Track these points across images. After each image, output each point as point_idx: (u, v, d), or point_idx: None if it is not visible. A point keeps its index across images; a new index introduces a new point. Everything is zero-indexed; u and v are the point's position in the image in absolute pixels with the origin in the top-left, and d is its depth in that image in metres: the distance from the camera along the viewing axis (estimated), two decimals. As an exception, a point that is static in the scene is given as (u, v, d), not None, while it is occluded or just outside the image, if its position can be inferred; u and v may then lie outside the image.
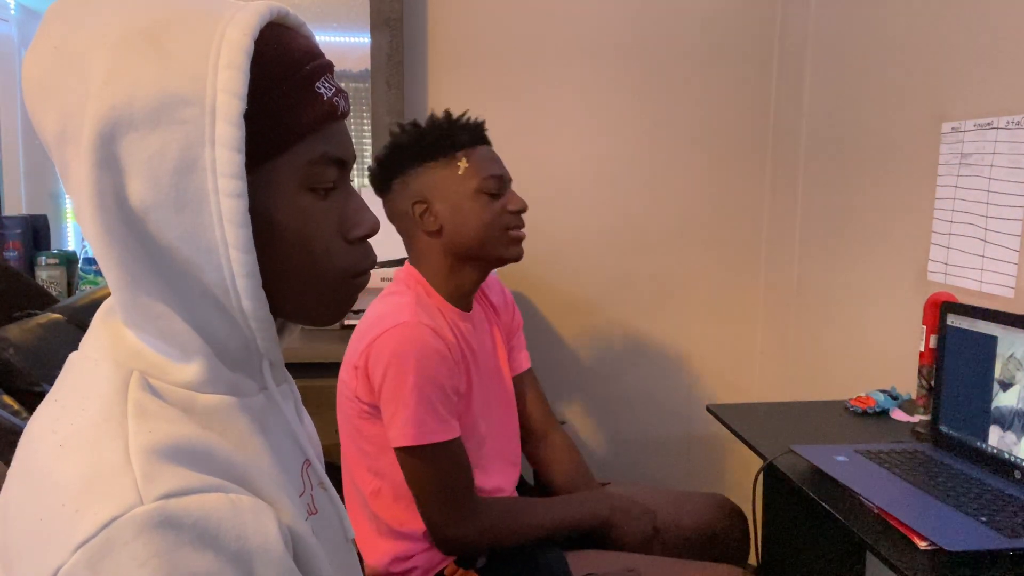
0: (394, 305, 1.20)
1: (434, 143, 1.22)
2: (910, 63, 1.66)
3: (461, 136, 1.23)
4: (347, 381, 1.21)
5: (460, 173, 1.22)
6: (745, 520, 1.46)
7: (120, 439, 0.48)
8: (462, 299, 1.28)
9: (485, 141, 1.28)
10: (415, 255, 1.28)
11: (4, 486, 0.52)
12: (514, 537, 1.21)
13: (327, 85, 0.58)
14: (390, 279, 1.75)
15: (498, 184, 1.24)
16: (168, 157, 0.51)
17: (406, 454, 1.15)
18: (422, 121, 1.26)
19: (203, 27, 0.52)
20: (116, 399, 0.51)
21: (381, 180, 1.27)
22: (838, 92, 1.94)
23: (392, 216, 1.29)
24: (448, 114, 1.25)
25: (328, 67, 0.59)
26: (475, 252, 1.25)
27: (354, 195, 0.61)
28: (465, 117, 1.26)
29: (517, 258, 1.28)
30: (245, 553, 0.48)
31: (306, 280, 0.59)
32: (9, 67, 2.08)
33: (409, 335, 1.14)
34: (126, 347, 0.54)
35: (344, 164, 0.59)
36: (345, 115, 0.60)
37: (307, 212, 0.57)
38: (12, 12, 2.09)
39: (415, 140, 1.23)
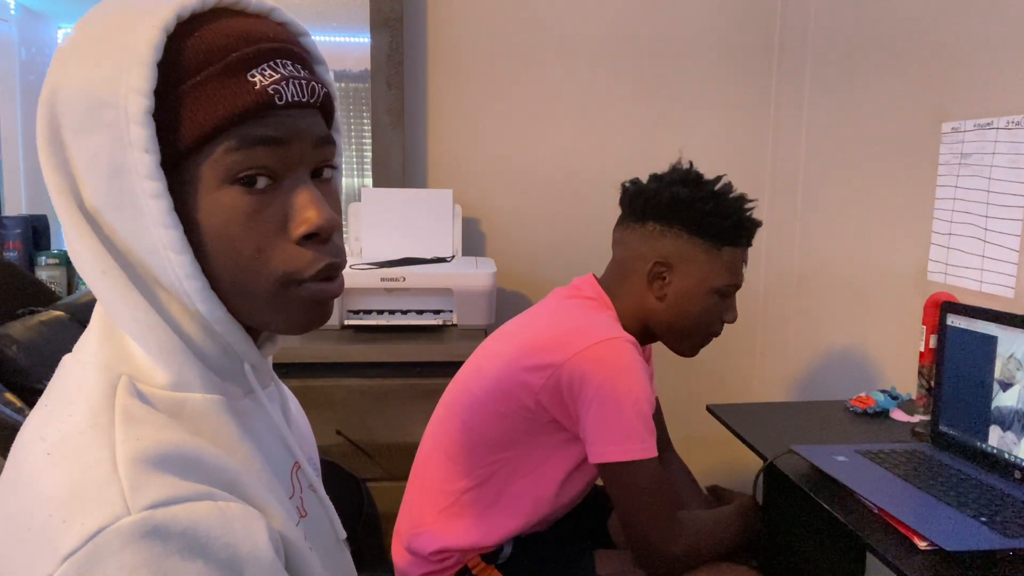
0: (605, 319, 1.18)
1: (717, 227, 1.20)
2: (910, 63, 1.66)
3: (743, 237, 1.22)
4: (518, 375, 1.15)
5: (718, 268, 1.21)
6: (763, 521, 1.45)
7: (107, 447, 0.47)
8: None
9: (750, 244, 1.26)
10: (619, 288, 1.25)
11: None
12: (710, 553, 1.16)
13: (268, 72, 0.53)
14: (391, 279, 1.76)
15: (734, 291, 1.25)
16: (101, 161, 0.51)
17: (624, 470, 1.10)
18: (715, 179, 1.23)
19: (125, 24, 0.51)
20: (103, 405, 0.50)
21: (642, 210, 1.23)
22: (838, 92, 1.94)
23: (623, 244, 1.26)
24: (743, 201, 1.23)
25: (279, 52, 0.54)
26: (667, 334, 1.25)
27: (303, 189, 0.55)
28: (752, 211, 1.24)
29: (690, 356, 1.28)
30: (235, 561, 0.48)
31: (243, 285, 0.54)
32: (9, 67, 2.08)
33: (624, 350, 1.12)
34: (115, 350, 0.54)
35: (278, 146, 0.53)
36: (295, 104, 0.54)
37: (230, 209, 0.52)
38: (12, 12, 2.09)
39: (704, 214, 1.19)
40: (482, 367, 1.22)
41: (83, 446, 0.48)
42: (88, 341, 0.56)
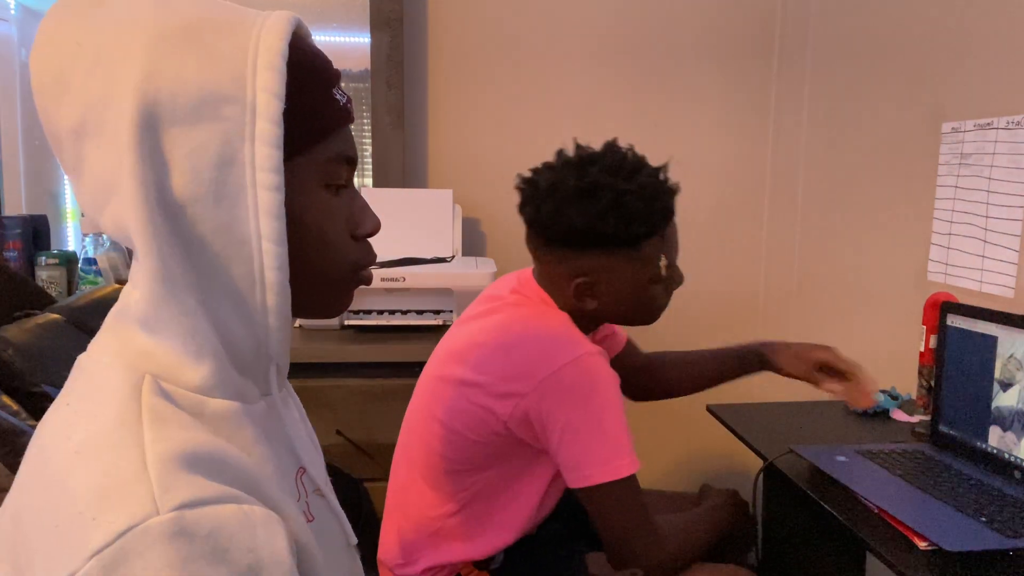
0: (560, 331, 1.11)
1: (625, 234, 1.08)
2: (910, 63, 1.66)
3: (659, 225, 1.10)
4: (483, 404, 1.10)
5: (643, 263, 1.11)
6: (752, 517, 1.45)
7: (136, 447, 0.48)
8: None
9: (674, 212, 1.14)
10: (553, 296, 1.17)
11: (16, 492, 0.52)
12: (690, 555, 1.15)
13: (340, 91, 0.61)
14: (391, 279, 1.76)
15: (671, 265, 1.16)
16: (209, 152, 0.53)
17: (607, 490, 1.05)
18: (609, 178, 1.07)
19: (239, 30, 0.55)
20: (130, 404, 0.50)
21: (544, 239, 1.13)
22: (838, 92, 1.94)
23: (539, 261, 1.17)
24: (646, 190, 1.07)
25: (339, 75, 0.63)
26: (618, 323, 1.21)
27: (358, 195, 0.65)
28: (659, 191, 1.09)
29: (652, 322, 1.22)
30: (256, 565, 0.48)
31: (319, 273, 0.61)
32: (9, 67, 2.08)
33: (589, 368, 1.06)
34: (136, 349, 0.54)
35: (353, 164, 0.63)
36: (353, 120, 0.64)
37: (324, 208, 0.60)
38: (12, 12, 2.09)
39: (607, 232, 1.07)
40: (443, 395, 1.16)
41: (112, 445, 0.48)
42: (105, 340, 0.56)
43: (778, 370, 1.39)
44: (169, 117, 0.52)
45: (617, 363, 1.44)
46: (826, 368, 1.36)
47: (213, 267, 0.55)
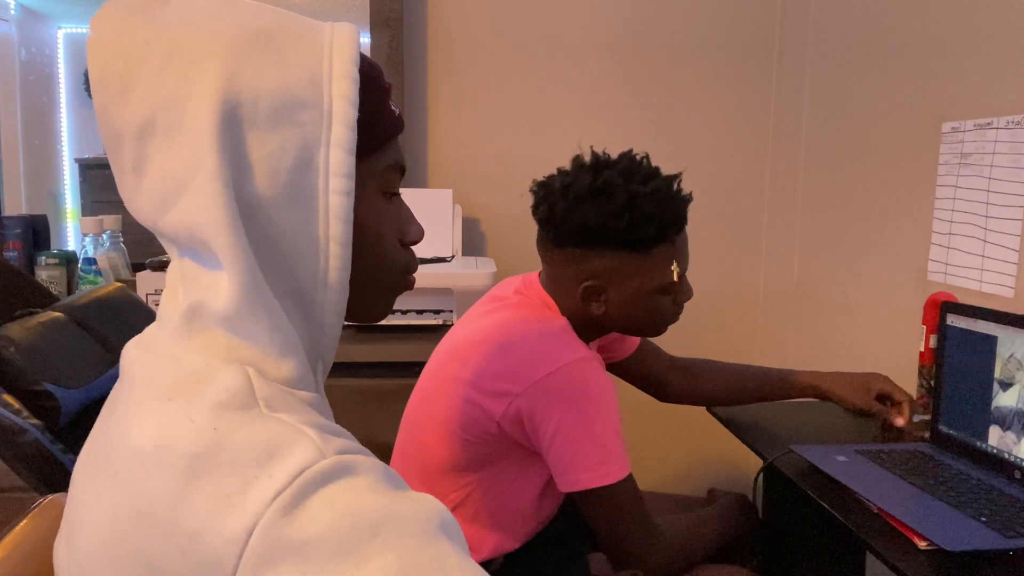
0: (557, 335, 1.11)
1: (638, 236, 1.09)
2: (910, 63, 1.66)
3: (671, 231, 1.12)
4: (477, 402, 1.10)
5: (653, 270, 1.12)
6: (759, 520, 1.45)
7: (275, 416, 0.50)
8: None
9: (686, 221, 1.15)
10: (559, 300, 1.17)
11: (122, 491, 0.49)
12: (694, 556, 1.16)
13: (393, 103, 0.64)
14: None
15: (681, 277, 1.15)
16: (288, 155, 0.54)
17: (599, 494, 1.06)
18: (624, 180, 1.08)
19: (310, 37, 0.57)
20: (246, 389, 0.51)
21: (556, 237, 1.13)
22: (838, 92, 1.94)
23: (548, 263, 1.18)
24: (661, 194, 1.09)
25: (391, 86, 0.65)
26: (624, 333, 1.22)
27: (404, 204, 0.68)
28: (674, 200, 1.12)
29: (658, 336, 1.23)
30: (413, 495, 0.51)
31: (373, 276, 0.63)
32: (9, 67, 2.08)
33: (583, 373, 1.07)
34: (222, 346, 0.53)
35: (403, 173, 0.66)
36: (403, 130, 0.66)
37: (381, 213, 0.63)
38: (12, 12, 2.09)
39: (620, 230, 1.08)
40: (440, 393, 1.16)
41: (252, 418, 0.50)
42: (180, 338, 0.54)
43: (841, 403, 1.39)
44: (250, 120, 0.53)
45: (633, 364, 1.45)
46: (881, 397, 1.38)
47: (283, 267, 0.56)
